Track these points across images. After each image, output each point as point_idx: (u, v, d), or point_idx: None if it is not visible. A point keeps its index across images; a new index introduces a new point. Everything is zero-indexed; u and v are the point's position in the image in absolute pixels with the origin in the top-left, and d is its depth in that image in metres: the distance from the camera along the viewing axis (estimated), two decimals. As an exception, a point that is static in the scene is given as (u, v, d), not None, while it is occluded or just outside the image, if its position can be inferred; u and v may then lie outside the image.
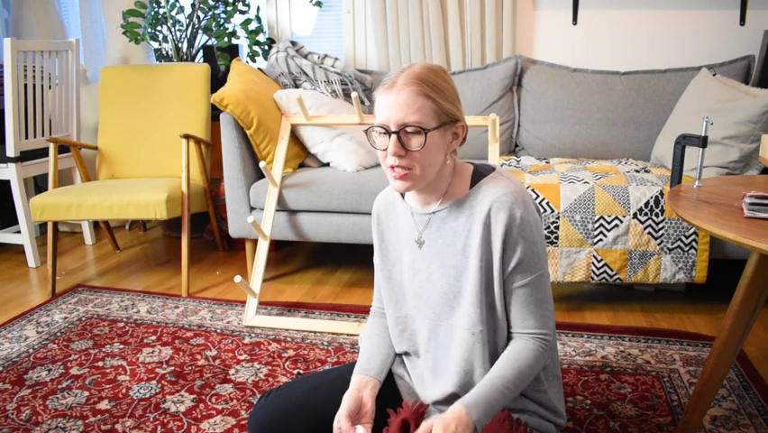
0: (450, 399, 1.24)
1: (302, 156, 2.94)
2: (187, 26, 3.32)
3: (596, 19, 3.15)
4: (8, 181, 3.04)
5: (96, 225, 3.56)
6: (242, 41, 3.46)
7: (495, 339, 1.21)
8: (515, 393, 1.14)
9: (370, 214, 2.36)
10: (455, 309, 1.21)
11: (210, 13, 3.31)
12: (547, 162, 2.79)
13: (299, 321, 2.37)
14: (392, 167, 1.14)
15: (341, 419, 1.18)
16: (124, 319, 2.45)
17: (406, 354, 1.34)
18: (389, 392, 1.31)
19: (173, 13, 3.25)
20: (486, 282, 1.17)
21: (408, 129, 1.11)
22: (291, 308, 2.53)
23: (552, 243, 2.35)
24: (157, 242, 3.54)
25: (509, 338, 1.21)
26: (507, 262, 1.16)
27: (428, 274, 1.24)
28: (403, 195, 1.29)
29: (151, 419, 1.77)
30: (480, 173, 1.22)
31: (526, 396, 1.24)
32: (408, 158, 1.12)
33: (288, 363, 2.09)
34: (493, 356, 1.21)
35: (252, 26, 3.34)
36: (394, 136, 1.11)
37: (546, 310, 1.19)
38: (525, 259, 1.15)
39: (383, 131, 1.13)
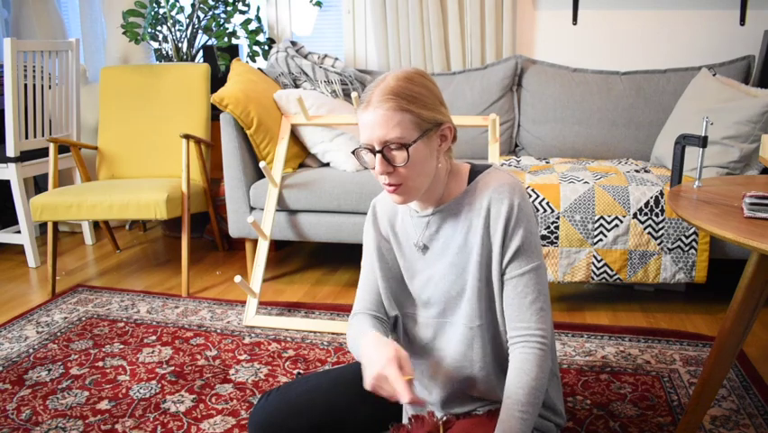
0: (450, 397, 1.24)
1: (302, 156, 2.94)
2: (187, 26, 3.32)
3: (596, 19, 3.15)
4: (8, 181, 3.04)
5: (96, 225, 3.56)
6: (242, 41, 3.46)
7: (493, 334, 1.20)
8: (535, 412, 1.11)
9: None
10: (458, 306, 1.21)
11: (210, 13, 3.31)
12: (547, 162, 2.79)
13: (299, 321, 2.37)
14: (385, 183, 1.14)
15: (386, 367, 1.03)
16: (124, 319, 2.45)
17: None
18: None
19: (173, 13, 3.25)
20: (486, 275, 1.17)
21: (391, 146, 1.10)
22: (291, 308, 2.53)
23: (552, 243, 2.35)
24: (157, 242, 3.54)
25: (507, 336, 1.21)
26: (506, 249, 1.15)
27: (430, 275, 1.24)
28: None
29: (151, 419, 1.77)
30: (477, 171, 1.23)
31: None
32: (396, 174, 1.12)
33: (288, 363, 2.09)
34: (493, 351, 1.21)
35: (252, 26, 3.34)
36: (378, 155, 1.11)
37: (544, 304, 1.17)
38: (524, 246, 1.15)
39: (368, 150, 1.13)
